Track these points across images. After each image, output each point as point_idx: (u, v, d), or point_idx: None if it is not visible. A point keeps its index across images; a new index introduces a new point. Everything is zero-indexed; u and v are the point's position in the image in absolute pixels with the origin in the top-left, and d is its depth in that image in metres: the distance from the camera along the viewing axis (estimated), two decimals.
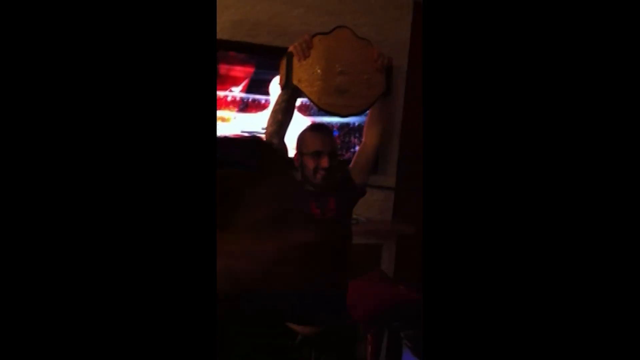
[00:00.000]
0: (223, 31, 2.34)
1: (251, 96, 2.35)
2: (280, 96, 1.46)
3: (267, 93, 2.37)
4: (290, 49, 1.41)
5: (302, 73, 1.41)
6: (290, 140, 1.53)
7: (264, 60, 2.33)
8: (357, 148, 2.54)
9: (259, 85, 2.35)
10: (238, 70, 2.32)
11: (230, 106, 2.32)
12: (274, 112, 1.46)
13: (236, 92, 2.33)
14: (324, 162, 1.48)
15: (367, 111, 1.57)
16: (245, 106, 2.35)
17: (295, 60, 1.40)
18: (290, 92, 1.43)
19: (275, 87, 2.33)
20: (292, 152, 1.56)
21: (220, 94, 2.30)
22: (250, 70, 2.34)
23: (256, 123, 2.36)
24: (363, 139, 1.63)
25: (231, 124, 2.33)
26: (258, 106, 2.36)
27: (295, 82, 1.40)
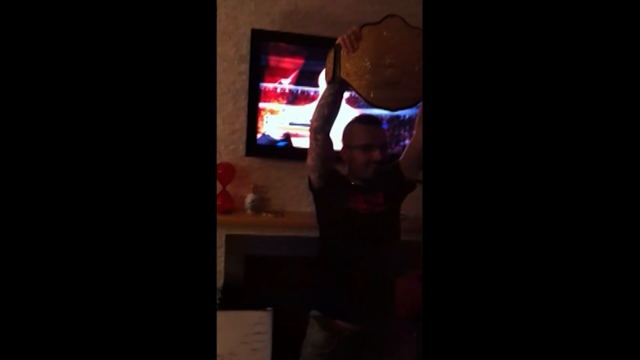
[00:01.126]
0: (274, 22, 2.34)
1: (300, 88, 2.33)
2: (326, 90, 1.43)
3: (316, 85, 2.35)
4: (338, 41, 1.37)
5: (350, 66, 1.37)
6: (336, 133, 1.50)
7: (314, 51, 2.31)
8: (407, 141, 2.48)
9: (308, 77, 2.33)
10: (288, 62, 2.31)
11: (280, 98, 2.32)
12: (319, 106, 1.43)
13: (285, 84, 2.32)
14: (376, 155, 1.44)
15: (419, 104, 1.51)
16: (294, 98, 2.34)
17: (343, 53, 1.36)
18: (337, 86, 1.40)
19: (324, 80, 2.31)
20: (338, 145, 1.53)
21: (269, 86, 2.30)
22: (299, 61, 2.32)
23: (305, 115, 2.34)
24: (414, 132, 1.57)
25: (280, 116, 2.34)
26: (307, 98, 2.35)
27: (343, 75, 1.37)
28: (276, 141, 2.36)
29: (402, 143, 2.50)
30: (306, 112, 2.33)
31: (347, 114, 2.16)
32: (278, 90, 2.31)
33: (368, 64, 1.37)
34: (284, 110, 2.33)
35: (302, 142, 2.35)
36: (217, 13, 2.27)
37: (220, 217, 2.14)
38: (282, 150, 2.37)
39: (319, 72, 2.33)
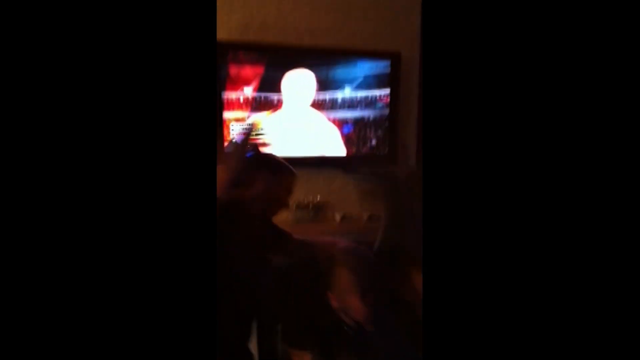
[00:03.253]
0: (232, 33, 2.37)
1: (263, 94, 2.36)
2: None
3: (278, 90, 2.38)
4: None
5: None
6: None
7: (274, 58, 2.34)
8: (373, 142, 2.53)
9: (270, 83, 2.36)
10: (248, 70, 2.34)
11: (243, 106, 2.34)
12: None
13: (248, 92, 2.34)
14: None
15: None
16: (258, 105, 2.36)
17: None
18: None
19: (287, 85, 2.36)
20: None
21: (232, 95, 2.32)
22: (260, 70, 2.35)
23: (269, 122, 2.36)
24: None
25: (245, 123, 2.35)
26: (270, 105, 2.37)
27: None
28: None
29: (368, 144, 2.55)
30: (272, 117, 2.35)
31: None
32: (241, 99, 2.33)
33: None
34: (248, 117, 2.35)
35: (269, 148, 2.36)
36: None
37: None
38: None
39: (280, 78, 2.37)
